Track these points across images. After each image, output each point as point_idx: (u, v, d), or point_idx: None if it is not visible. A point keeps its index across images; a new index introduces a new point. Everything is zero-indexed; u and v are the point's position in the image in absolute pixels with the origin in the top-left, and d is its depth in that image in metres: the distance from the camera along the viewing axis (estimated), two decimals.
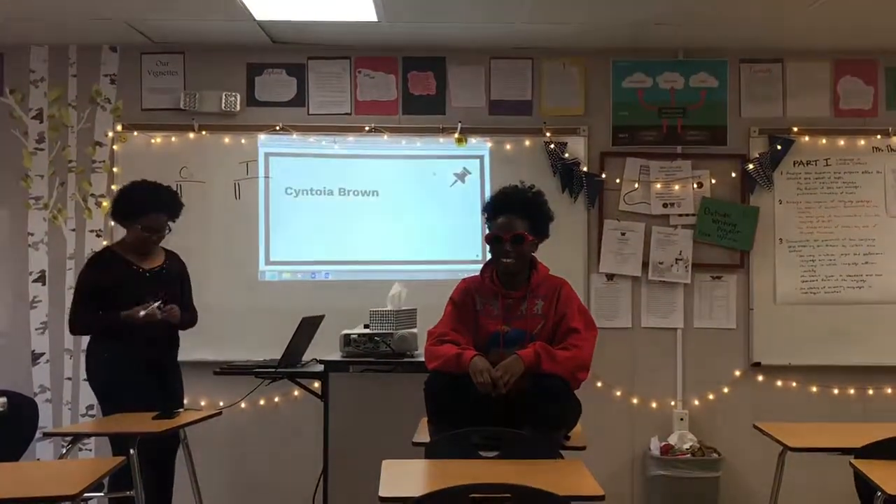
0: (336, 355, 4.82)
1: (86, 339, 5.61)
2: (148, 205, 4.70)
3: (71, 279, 5.76)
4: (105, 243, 5.66)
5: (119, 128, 5.83)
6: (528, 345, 3.73)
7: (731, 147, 5.87)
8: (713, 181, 5.86)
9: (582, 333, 3.79)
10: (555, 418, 3.63)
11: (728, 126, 5.88)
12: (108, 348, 4.66)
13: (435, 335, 3.86)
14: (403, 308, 4.91)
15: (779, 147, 5.83)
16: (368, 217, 5.86)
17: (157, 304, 4.61)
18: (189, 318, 4.90)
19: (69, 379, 5.80)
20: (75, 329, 4.80)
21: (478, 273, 4.00)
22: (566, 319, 3.81)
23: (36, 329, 5.80)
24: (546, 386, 3.62)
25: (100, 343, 4.72)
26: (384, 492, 2.86)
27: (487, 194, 5.47)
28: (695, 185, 5.85)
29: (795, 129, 5.85)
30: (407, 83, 5.90)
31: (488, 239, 3.90)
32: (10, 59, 5.85)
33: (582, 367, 3.74)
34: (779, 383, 5.85)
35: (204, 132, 5.82)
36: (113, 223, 5.22)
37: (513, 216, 3.85)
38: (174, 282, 4.87)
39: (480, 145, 5.87)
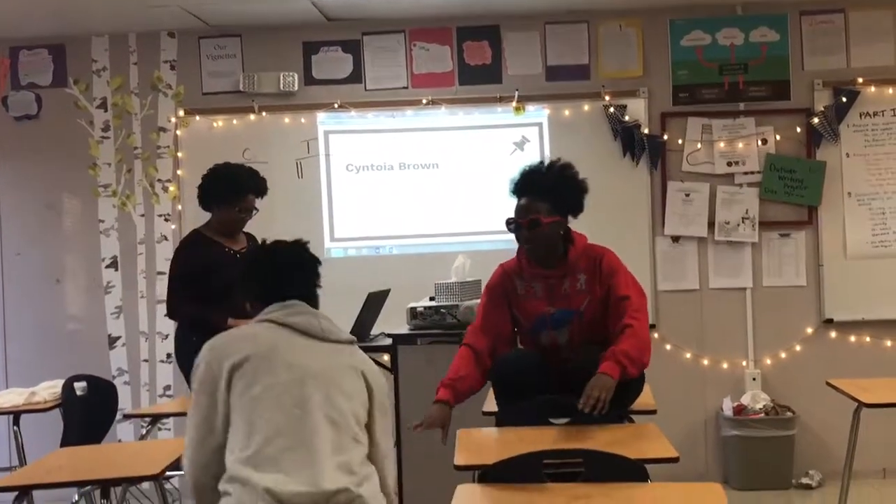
0: (404, 328, 4.87)
1: (161, 322, 5.71)
2: (246, 186, 4.69)
3: (142, 264, 5.89)
4: (174, 227, 5.81)
5: (181, 113, 5.91)
6: (573, 322, 3.58)
7: (794, 102, 5.77)
8: (778, 137, 5.77)
9: (633, 300, 3.57)
10: (619, 401, 3.50)
11: (791, 80, 5.77)
12: (197, 333, 4.70)
13: (468, 331, 3.77)
14: (468, 279, 4.93)
15: (844, 99, 5.71)
16: (429, 190, 5.88)
17: None
18: None
19: (146, 361, 5.92)
20: (176, 316, 4.77)
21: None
22: (613, 289, 3.59)
23: (111, 314, 5.93)
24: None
25: (187, 330, 4.69)
26: (459, 460, 2.90)
27: (547, 161, 5.42)
28: (759, 142, 5.76)
29: (860, 80, 5.72)
30: (462, 53, 5.88)
31: (507, 224, 3.65)
32: (73, 50, 5.96)
33: (647, 349, 3.52)
34: (852, 339, 5.76)
35: (264, 113, 5.88)
36: (197, 207, 5.00)
37: (532, 198, 3.58)
38: None
39: (538, 112, 5.84)
